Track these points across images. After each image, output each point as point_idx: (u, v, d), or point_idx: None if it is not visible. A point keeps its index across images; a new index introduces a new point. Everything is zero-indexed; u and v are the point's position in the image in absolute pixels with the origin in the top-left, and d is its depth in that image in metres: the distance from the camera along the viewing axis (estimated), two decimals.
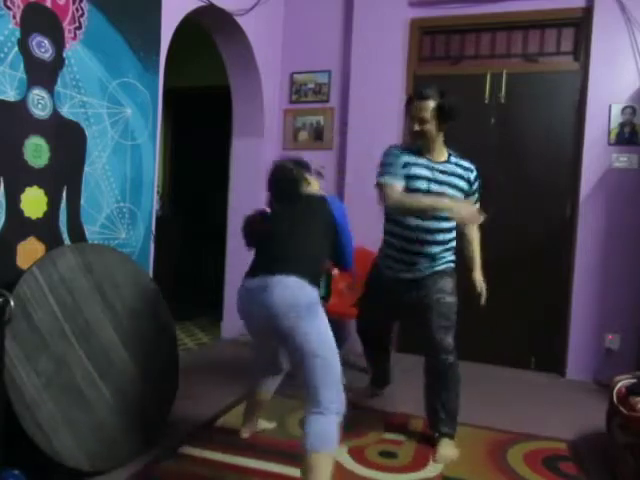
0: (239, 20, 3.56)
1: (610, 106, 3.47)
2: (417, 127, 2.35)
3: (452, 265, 2.51)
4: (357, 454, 2.32)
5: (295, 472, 1.92)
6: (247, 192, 4.11)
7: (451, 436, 2.38)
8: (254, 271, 1.99)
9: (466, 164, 2.50)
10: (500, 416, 2.82)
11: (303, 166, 2.27)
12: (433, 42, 4.00)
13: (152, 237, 2.81)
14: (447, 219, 2.34)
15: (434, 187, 2.36)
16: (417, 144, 2.42)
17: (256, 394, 2.40)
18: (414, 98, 2.38)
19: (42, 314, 1.93)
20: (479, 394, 3.20)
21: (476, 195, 2.54)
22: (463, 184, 2.44)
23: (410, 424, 2.66)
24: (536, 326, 3.74)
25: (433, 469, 2.21)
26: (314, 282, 1.90)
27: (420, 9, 3.91)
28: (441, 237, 2.42)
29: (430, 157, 2.42)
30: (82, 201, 2.36)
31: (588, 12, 3.54)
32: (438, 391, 2.37)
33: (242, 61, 3.88)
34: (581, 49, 3.63)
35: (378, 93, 3.91)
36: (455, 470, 2.21)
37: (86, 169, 2.37)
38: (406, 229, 2.41)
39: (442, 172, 2.40)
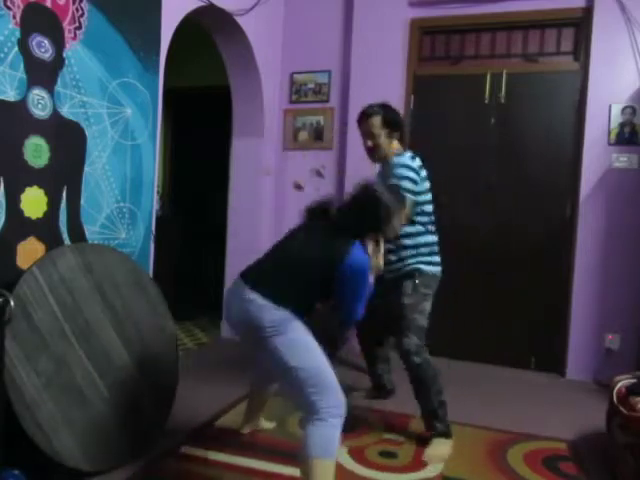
0: (239, 20, 3.56)
1: (610, 106, 3.47)
2: (370, 143, 2.53)
3: (419, 267, 2.46)
4: (357, 454, 2.32)
5: (295, 472, 1.92)
6: (247, 192, 4.11)
7: (441, 434, 2.38)
8: (248, 274, 1.93)
9: (401, 161, 2.45)
10: (500, 416, 2.82)
11: (397, 205, 2.03)
12: (433, 42, 4.00)
13: (152, 237, 2.81)
14: (412, 223, 2.44)
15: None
16: (374, 158, 2.59)
17: (259, 392, 2.40)
18: (362, 117, 2.54)
19: (42, 314, 1.93)
20: (479, 394, 3.20)
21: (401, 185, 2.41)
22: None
23: (410, 424, 2.66)
24: (536, 326, 3.74)
25: (433, 469, 2.21)
26: (296, 311, 1.82)
27: (420, 9, 3.91)
28: (407, 241, 2.46)
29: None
30: (82, 201, 2.36)
31: (588, 12, 3.54)
32: (415, 390, 2.44)
33: (242, 61, 3.88)
34: (581, 49, 3.63)
35: (378, 93, 3.87)
36: (455, 470, 2.21)
37: (86, 169, 2.37)
38: None
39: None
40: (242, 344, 2.13)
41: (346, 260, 1.79)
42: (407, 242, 2.47)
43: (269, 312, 1.78)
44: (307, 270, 1.84)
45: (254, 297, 1.80)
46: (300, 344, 1.79)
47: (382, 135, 2.49)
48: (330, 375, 1.78)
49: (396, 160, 2.46)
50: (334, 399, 1.75)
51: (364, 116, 2.54)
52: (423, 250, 2.48)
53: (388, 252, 2.42)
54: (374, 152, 2.55)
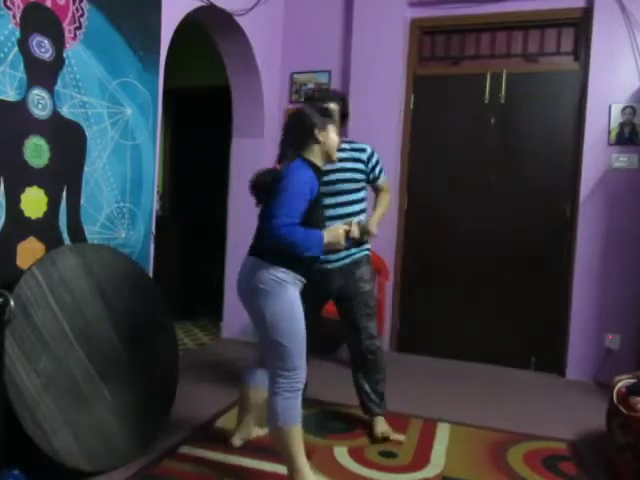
0: (239, 20, 3.56)
1: (610, 106, 3.47)
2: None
3: (368, 253, 2.54)
4: (357, 454, 2.32)
5: None
6: (247, 192, 4.09)
7: (383, 415, 2.54)
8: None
9: (359, 145, 2.54)
10: (500, 416, 2.82)
11: (322, 114, 2.06)
12: (433, 42, 4.00)
13: (152, 237, 2.81)
14: (357, 202, 2.46)
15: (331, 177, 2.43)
16: None
17: (248, 391, 2.32)
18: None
19: (42, 314, 1.94)
20: (479, 394, 3.20)
21: (376, 171, 2.54)
22: (360, 165, 2.49)
23: (410, 424, 2.66)
24: (536, 326, 3.74)
25: (433, 469, 2.21)
26: (275, 260, 1.86)
27: (420, 9, 3.91)
28: (357, 207, 2.48)
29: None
30: (82, 201, 2.36)
31: (588, 12, 3.54)
32: (368, 375, 2.51)
33: (242, 61, 3.88)
34: (581, 49, 3.63)
35: (378, 93, 3.91)
36: (455, 470, 2.21)
37: (86, 169, 2.37)
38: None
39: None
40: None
41: (283, 173, 1.90)
42: (356, 208, 2.47)
43: (254, 270, 1.90)
44: (266, 206, 1.97)
45: (247, 260, 1.97)
46: (283, 320, 1.87)
47: None
48: (294, 352, 1.88)
49: (360, 145, 2.56)
50: (301, 373, 1.91)
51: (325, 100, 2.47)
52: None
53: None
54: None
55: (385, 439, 2.44)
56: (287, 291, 1.88)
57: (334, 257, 2.44)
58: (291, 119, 2.06)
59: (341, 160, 2.39)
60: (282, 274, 1.87)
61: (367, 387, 2.53)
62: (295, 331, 1.87)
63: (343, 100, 2.52)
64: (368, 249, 2.55)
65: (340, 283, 2.47)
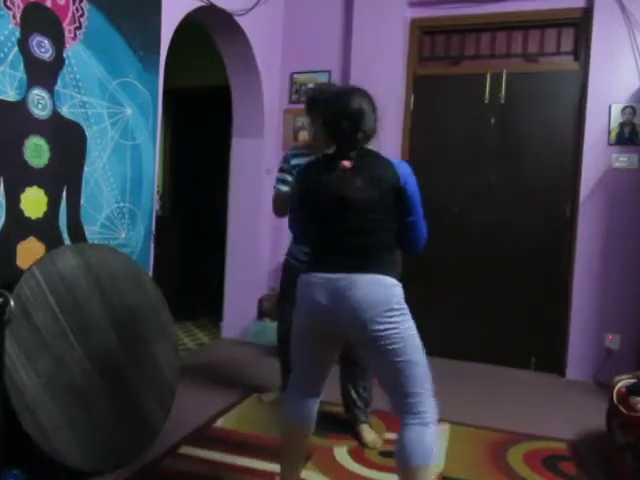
0: (239, 20, 3.56)
1: (610, 106, 3.46)
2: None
3: None
4: (357, 454, 2.32)
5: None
6: (247, 192, 4.11)
7: (368, 423, 2.52)
8: (325, 263, 1.66)
9: None
10: (500, 416, 2.82)
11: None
12: (433, 42, 4.00)
13: (152, 237, 2.81)
14: None
15: None
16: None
17: (296, 428, 1.83)
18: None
19: (42, 314, 1.93)
20: (479, 394, 3.20)
21: None
22: None
23: None
24: (536, 326, 3.74)
25: (432, 469, 2.21)
26: (396, 272, 1.65)
27: (420, 9, 3.91)
28: None
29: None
30: (82, 201, 2.35)
31: (588, 12, 3.54)
32: (355, 381, 2.51)
33: (242, 61, 3.88)
34: (581, 49, 3.63)
35: (378, 93, 3.90)
36: (455, 470, 2.21)
37: (86, 169, 2.37)
38: None
39: None
40: (305, 353, 1.77)
41: (398, 174, 1.63)
42: None
43: (388, 289, 1.58)
44: (374, 212, 1.62)
45: (355, 278, 1.57)
46: (415, 332, 1.63)
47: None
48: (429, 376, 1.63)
49: None
50: (433, 402, 1.63)
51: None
52: None
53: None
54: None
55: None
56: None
57: None
58: (364, 98, 1.73)
59: None
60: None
61: (353, 394, 2.53)
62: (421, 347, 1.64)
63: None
64: None
65: None
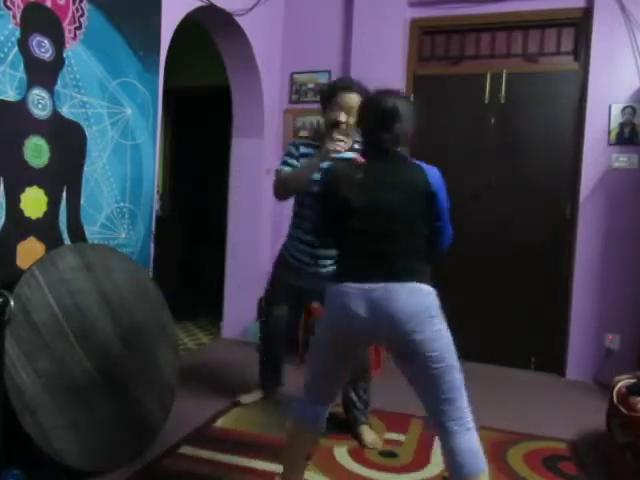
0: (239, 20, 3.56)
1: (610, 106, 3.46)
2: (343, 117, 2.36)
3: None
4: (357, 454, 2.32)
5: None
6: (247, 192, 4.11)
7: (368, 424, 2.52)
8: (359, 273, 1.61)
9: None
10: (500, 416, 2.82)
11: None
12: (433, 42, 4.00)
13: (152, 237, 2.81)
14: None
15: None
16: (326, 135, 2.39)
17: (306, 434, 1.81)
18: (340, 90, 2.38)
19: (42, 314, 1.93)
20: (479, 394, 3.17)
21: None
22: None
23: (410, 424, 2.66)
24: (536, 326, 3.74)
25: (433, 469, 2.22)
26: (428, 277, 1.63)
27: (420, 9, 3.91)
28: None
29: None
30: (82, 201, 2.35)
31: (588, 12, 3.54)
32: (355, 383, 2.49)
33: (242, 61, 3.87)
34: (581, 49, 3.63)
35: None
36: None
37: (86, 169, 2.37)
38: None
39: None
40: (329, 360, 1.71)
41: (429, 179, 1.61)
42: None
43: (425, 297, 1.57)
44: (405, 217, 1.60)
45: (391, 287, 1.54)
46: (450, 337, 1.60)
47: (354, 116, 2.29)
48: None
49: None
50: (469, 407, 1.61)
51: (348, 89, 2.38)
52: None
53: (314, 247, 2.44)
54: (339, 128, 2.35)
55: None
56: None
57: (329, 262, 2.43)
58: (401, 101, 1.67)
59: None
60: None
61: (353, 395, 2.52)
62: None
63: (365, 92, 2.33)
64: None
65: (324, 285, 2.45)
